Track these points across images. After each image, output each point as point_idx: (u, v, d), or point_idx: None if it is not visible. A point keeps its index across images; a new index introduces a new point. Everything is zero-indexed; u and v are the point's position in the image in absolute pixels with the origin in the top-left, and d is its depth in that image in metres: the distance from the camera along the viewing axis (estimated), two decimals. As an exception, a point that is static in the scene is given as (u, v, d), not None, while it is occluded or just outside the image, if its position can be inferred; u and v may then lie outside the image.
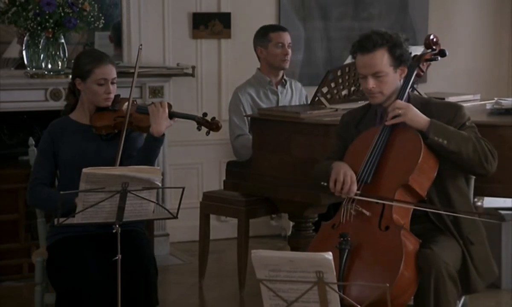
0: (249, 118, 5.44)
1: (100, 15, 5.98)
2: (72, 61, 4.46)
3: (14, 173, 5.72)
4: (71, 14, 5.77)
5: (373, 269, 3.48)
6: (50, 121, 4.24)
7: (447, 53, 4.11)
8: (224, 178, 5.40)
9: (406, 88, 3.82)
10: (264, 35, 5.62)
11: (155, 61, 6.33)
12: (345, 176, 3.67)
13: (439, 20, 7.20)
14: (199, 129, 4.22)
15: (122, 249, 3.63)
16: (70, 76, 4.28)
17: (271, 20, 6.56)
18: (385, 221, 3.59)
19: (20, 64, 6.21)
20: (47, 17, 5.71)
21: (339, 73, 5.23)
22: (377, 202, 3.62)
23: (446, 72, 7.03)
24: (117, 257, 3.63)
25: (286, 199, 5.03)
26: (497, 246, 5.34)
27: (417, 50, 4.15)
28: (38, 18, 5.71)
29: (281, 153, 4.95)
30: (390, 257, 3.47)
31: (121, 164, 3.99)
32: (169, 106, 4.19)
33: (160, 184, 3.68)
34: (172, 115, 4.15)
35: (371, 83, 3.75)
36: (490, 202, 5.52)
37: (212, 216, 5.62)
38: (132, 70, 4.90)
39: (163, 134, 4.12)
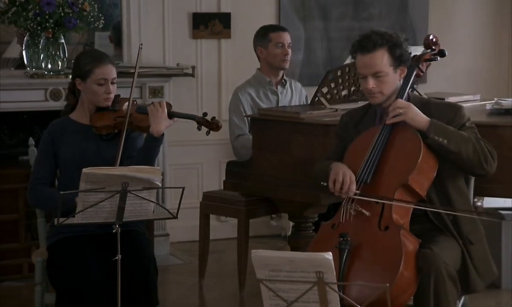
0: (249, 118, 5.44)
1: (100, 15, 5.98)
2: (72, 61, 4.46)
3: (14, 173, 5.72)
4: (71, 14, 5.77)
5: (373, 269, 3.48)
6: (50, 121, 4.24)
7: (446, 53, 4.11)
8: (224, 178, 5.40)
9: (406, 88, 3.82)
10: (264, 35, 5.62)
11: (155, 61, 6.33)
12: (344, 176, 3.67)
13: (439, 20, 7.20)
14: (199, 129, 4.22)
15: (122, 249, 3.64)
16: (70, 76, 4.28)
17: (271, 20, 6.56)
18: (384, 221, 3.59)
19: (20, 64, 6.21)
20: (47, 17, 5.71)
21: (339, 73, 5.23)
22: (377, 202, 3.62)
23: (446, 72, 7.03)
24: (117, 257, 3.63)
25: (286, 199, 5.03)
26: (497, 246, 5.34)
27: (417, 50, 4.15)
28: (38, 18, 5.71)
29: (281, 153, 4.95)
30: (390, 257, 3.48)
31: (121, 164, 3.99)
32: (169, 106, 4.19)
33: (160, 184, 3.68)
34: (172, 115, 4.15)
35: (371, 83, 3.76)
36: (490, 202, 5.52)
37: (212, 216, 5.62)
38: (132, 70, 4.91)
39: (163, 134, 4.12)
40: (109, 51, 6.10)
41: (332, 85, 5.21)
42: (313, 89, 5.29)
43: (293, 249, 5.24)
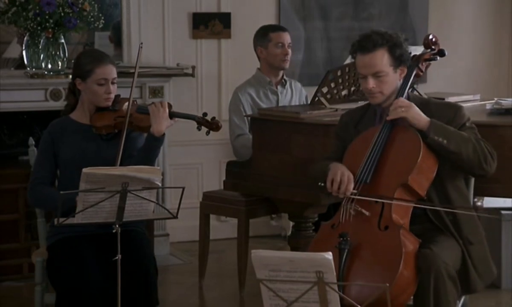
0: (249, 118, 5.44)
1: (100, 15, 5.98)
2: (72, 61, 4.46)
3: (14, 173, 5.72)
4: (71, 14, 5.77)
5: (373, 268, 3.48)
6: (50, 121, 4.24)
7: (446, 53, 4.11)
8: (224, 178, 5.40)
9: (406, 87, 3.82)
10: (264, 35, 5.63)
11: (155, 61, 6.33)
12: (342, 176, 3.67)
13: (439, 20, 7.20)
14: (199, 129, 4.22)
15: (122, 249, 3.63)
16: (70, 76, 4.28)
17: (271, 20, 6.56)
18: (384, 221, 3.59)
19: (20, 64, 6.21)
20: (47, 17, 5.71)
21: (339, 73, 5.23)
22: (376, 202, 3.62)
23: (446, 72, 7.03)
24: (117, 257, 3.63)
25: (286, 199, 5.03)
26: (497, 246, 5.34)
27: (417, 50, 4.15)
28: (38, 18, 5.71)
29: (281, 153, 4.95)
30: (390, 256, 3.48)
31: (121, 164, 3.99)
32: (170, 106, 4.19)
33: (160, 184, 3.68)
34: (172, 115, 4.16)
35: (371, 83, 3.76)
36: (490, 202, 5.52)
37: (212, 216, 5.62)
38: (131, 70, 4.90)
39: (164, 134, 4.12)
40: (109, 51, 6.10)
41: (332, 85, 5.21)
42: (313, 89, 5.30)
43: (293, 249, 5.24)
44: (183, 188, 3.64)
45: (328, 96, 5.21)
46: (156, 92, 6.16)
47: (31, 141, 4.44)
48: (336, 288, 2.93)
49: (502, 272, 5.32)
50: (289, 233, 5.67)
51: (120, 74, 4.33)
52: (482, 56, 7.42)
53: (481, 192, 4.44)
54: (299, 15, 6.84)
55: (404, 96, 3.80)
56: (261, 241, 6.45)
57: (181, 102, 6.08)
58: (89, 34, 6.52)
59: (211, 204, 5.49)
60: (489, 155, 3.74)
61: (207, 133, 4.22)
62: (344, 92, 5.24)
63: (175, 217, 3.73)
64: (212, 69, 6.64)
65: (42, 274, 4.14)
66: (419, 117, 3.71)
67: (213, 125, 4.21)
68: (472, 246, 3.76)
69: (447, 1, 7.31)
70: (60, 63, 5.88)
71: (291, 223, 5.47)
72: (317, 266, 2.91)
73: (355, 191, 3.66)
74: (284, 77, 5.72)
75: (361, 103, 4.31)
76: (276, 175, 4.99)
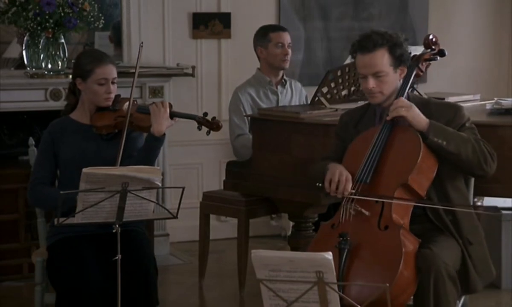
0: (249, 118, 5.44)
1: (100, 15, 5.98)
2: (72, 61, 4.46)
3: (14, 173, 5.72)
4: (71, 14, 5.77)
5: (373, 268, 3.48)
6: (50, 121, 4.24)
7: (446, 53, 4.11)
8: (224, 178, 5.40)
9: (406, 87, 3.82)
10: (264, 35, 5.63)
11: (155, 61, 6.33)
12: (340, 176, 3.67)
13: (439, 20, 7.20)
14: (199, 128, 4.22)
15: (122, 249, 3.63)
16: (71, 76, 4.28)
17: (271, 20, 6.56)
18: (384, 221, 3.59)
19: (20, 64, 6.21)
20: (47, 17, 5.71)
21: (339, 73, 5.23)
22: (376, 201, 3.62)
23: (446, 72, 7.03)
24: (117, 257, 3.63)
25: (286, 199, 5.03)
26: (497, 246, 5.34)
27: (417, 50, 4.15)
28: (38, 18, 5.71)
29: (281, 153, 4.95)
30: (390, 256, 3.47)
31: (121, 164, 3.99)
32: (170, 106, 4.19)
33: (160, 184, 3.68)
34: (173, 115, 4.16)
35: (371, 83, 3.76)
36: (490, 202, 5.51)
37: (212, 216, 5.62)
38: (131, 70, 4.91)
39: (164, 134, 4.13)
40: (109, 51, 6.10)
41: (332, 85, 5.21)
42: (313, 89, 5.30)
43: (293, 249, 5.23)
44: (183, 188, 3.64)
45: (328, 96, 5.21)
46: (156, 92, 6.16)
47: (31, 141, 4.44)
48: (336, 288, 2.93)
49: (502, 272, 5.32)
50: (289, 233, 5.67)
51: (120, 74, 4.33)
52: (482, 56, 7.42)
53: (481, 192, 4.44)
54: (299, 15, 6.84)
55: (404, 96, 3.80)
56: (261, 241, 6.45)
57: (181, 102, 6.08)
58: (89, 34, 6.52)
59: (211, 204, 5.49)
60: (489, 155, 3.74)
61: (208, 133, 4.23)
62: (344, 92, 5.24)
63: (175, 217, 3.73)
64: (212, 69, 6.64)
65: (42, 274, 4.14)
66: (419, 118, 3.71)
67: (213, 125, 4.21)
68: (472, 246, 3.76)
69: (447, 1, 7.31)
70: (60, 63, 5.88)
71: (291, 223, 5.47)
72: (317, 266, 2.91)
73: (353, 191, 3.66)
74: (284, 77, 5.72)
75: (361, 103, 4.31)
76: (276, 175, 4.99)
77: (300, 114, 4.94)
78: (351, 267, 3.48)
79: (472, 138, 3.74)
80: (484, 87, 6.97)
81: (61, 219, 3.62)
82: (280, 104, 5.61)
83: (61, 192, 3.62)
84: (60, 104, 5.54)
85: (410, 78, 3.85)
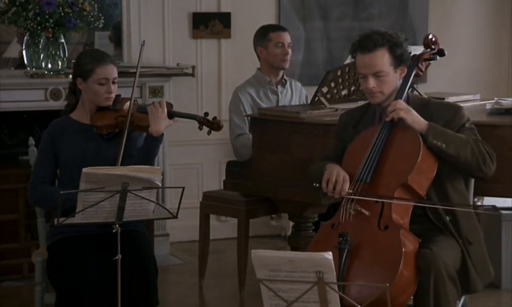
0: (249, 117, 5.44)
1: (100, 15, 5.98)
2: (72, 61, 4.46)
3: (14, 173, 5.72)
4: (71, 14, 5.77)
5: (373, 268, 3.48)
6: (50, 121, 4.24)
7: (446, 53, 4.11)
8: (224, 178, 5.40)
9: (405, 87, 3.82)
10: (264, 35, 5.62)
11: (155, 61, 6.33)
12: (337, 176, 3.67)
13: (439, 20, 7.19)
14: (200, 128, 4.23)
15: (122, 249, 3.63)
16: (71, 76, 4.29)
17: (271, 20, 6.56)
18: (384, 221, 3.59)
19: (20, 64, 6.22)
20: (47, 17, 5.71)
21: (339, 73, 5.23)
22: (376, 201, 3.62)
23: (446, 72, 7.03)
24: (117, 257, 3.63)
25: (286, 199, 5.03)
26: (496, 246, 5.34)
27: (417, 50, 4.15)
28: (38, 18, 5.71)
29: (281, 153, 4.95)
30: (389, 256, 3.47)
31: (121, 164, 3.99)
32: (170, 105, 4.19)
33: (160, 184, 3.68)
34: (173, 115, 4.16)
35: (372, 82, 3.75)
36: (490, 202, 5.50)
37: (212, 216, 5.62)
38: (131, 70, 4.90)
39: (162, 134, 4.13)
40: (109, 51, 6.09)
41: (332, 84, 5.21)
42: (313, 89, 5.30)
43: (293, 249, 5.23)
44: (183, 188, 3.64)
45: (328, 96, 5.21)
46: (156, 92, 6.16)
47: (31, 141, 4.44)
48: (336, 288, 2.93)
49: (502, 272, 5.32)
50: (289, 233, 5.67)
51: (120, 74, 4.33)
52: (482, 56, 7.42)
53: (481, 192, 4.45)
54: (299, 15, 6.84)
55: (404, 95, 3.81)
56: (261, 241, 6.45)
57: (181, 102, 6.08)
58: (89, 34, 6.52)
59: (211, 204, 5.49)
60: (488, 157, 3.74)
61: (209, 133, 4.23)
62: (344, 92, 5.24)
63: (175, 217, 3.73)
64: (212, 69, 6.64)
65: (42, 274, 4.14)
66: (418, 120, 3.71)
67: (214, 125, 4.21)
68: (472, 246, 3.76)
69: (447, 1, 7.31)
70: (60, 63, 5.88)
71: (291, 223, 5.47)
72: (317, 266, 2.91)
73: (350, 191, 3.66)
74: (284, 77, 5.72)
75: (361, 103, 4.31)
76: (276, 175, 4.99)
77: (300, 114, 4.94)
78: (351, 267, 3.48)
79: (471, 139, 3.73)
80: (484, 87, 6.97)
81: (61, 219, 3.62)
82: (280, 104, 5.61)
83: (61, 192, 3.62)
84: (60, 104, 5.55)
85: (410, 78, 3.85)
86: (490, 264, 3.84)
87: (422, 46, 4.16)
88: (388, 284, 2.91)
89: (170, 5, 6.48)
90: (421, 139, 3.68)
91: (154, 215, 3.99)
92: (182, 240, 6.46)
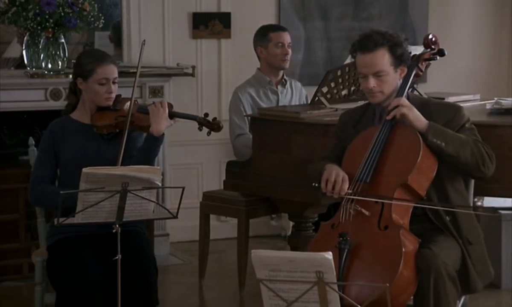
0: (249, 117, 5.44)
1: (100, 15, 5.98)
2: (72, 61, 4.46)
3: (14, 173, 5.72)
4: (71, 14, 5.77)
5: (373, 268, 3.48)
6: (50, 121, 4.24)
7: (446, 53, 4.11)
8: (224, 178, 5.40)
9: (405, 87, 3.82)
10: (264, 35, 5.63)
11: (155, 61, 6.33)
12: (336, 176, 3.67)
13: (439, 20, 7.19)
14: (200, 129, 4.23)
15: (122, 249, 3.63)
16: (71, 76, 4.29)
17: (271, 20, 6.56)
18: (384, 221, 3.59)
19: (20, 64, 6.22)
20: (47, 17, 5.71)
21: (339, 73, 5.23)
22: (376, 201, 3.62)
23: (446, 72, 7.03)
24: (117, 257, 3.63)
25: (286, 199, 5.03)
26: (496, 246, 5.34)
27: (417, 50, 4.15)
28: (38, 18, 5.71)
29: (281, 153, 4.95)
30: (389, 256, 3.47)
31: (122, 164, 3.99)
32: (170, 106, 4.19)
33: (160, 184, 3.68)
34: (173, 115, 4.16)
35: (372, 82, 3.75)
36: (490, 202, 5.52)
37: (212, 216, 5.62)
38: (132, 70, 4.90)
39: (163, 134, 4.13)
40: (109, 51, 6.09)
41: (332, 84, 5.21)
42: (313, 89, 5.30)
43: (293, 249, 5.24)
44: (183, 188, 3.64)
45: (328, 96, 5.21)
46: (156, 92, 6.16)
47: (31, 141, 4.44)
48: (336, 288, 2.93)
49: (502, 272, 5.32)
50: (289, 233, 5.67)
51: (120, 74, 4.33)
52: (482, 56, 7.42)
53: (481, 192, 4.45)
54: (299, 15, 6.84)
55: (404, 95, 3.81)
56: (261, 241, 6.45)
57: (181, 102, 6.08)
58: (89, 34, 6.52)
59: (211, 204, 5.49)
60: (487, 157, 3.74)
61: (209, 133, 4.23)
62: (344, 92, 5.24)
63: (175, 217, 3.73)
64: (212, 69, 6.64)
65: (42, 274, 4.13)
66: (420, 117, 3.72)
67: (214, 126, 4.21)
68: (472, 246, 3.76)
69: (447, 1, 7.31)
70: (60, 63, 5.88)
71: (291, 223, 5.47)
72: (317, 266, 2.91)
73: (349, 191, 3.65)
74: (284, 77, 5.72)
75: (360, 103, 4.31)
76: (276, 175, 4.99)
77: (300, 114, 4.94)
78: (351, 267, 3.48)
79: (471, 140, 3.73)
80: (484, 87, 6.96)
81: (61, 219, 3.62)
82: (280, 104, 5.61)
83: (61, 191, 3.62)
84: (60, 104, 5.55)
85: (410, 77, 3.85)
86: (490, 264, 3.84)
87: (422, 46, 4.16)
88: (388, 284, 2.91)
89: (170, 5, 6.48)
90: (421, 139, 3.68)
91: (154, 215, 3.99)
92: (182, 240, 6.46)
